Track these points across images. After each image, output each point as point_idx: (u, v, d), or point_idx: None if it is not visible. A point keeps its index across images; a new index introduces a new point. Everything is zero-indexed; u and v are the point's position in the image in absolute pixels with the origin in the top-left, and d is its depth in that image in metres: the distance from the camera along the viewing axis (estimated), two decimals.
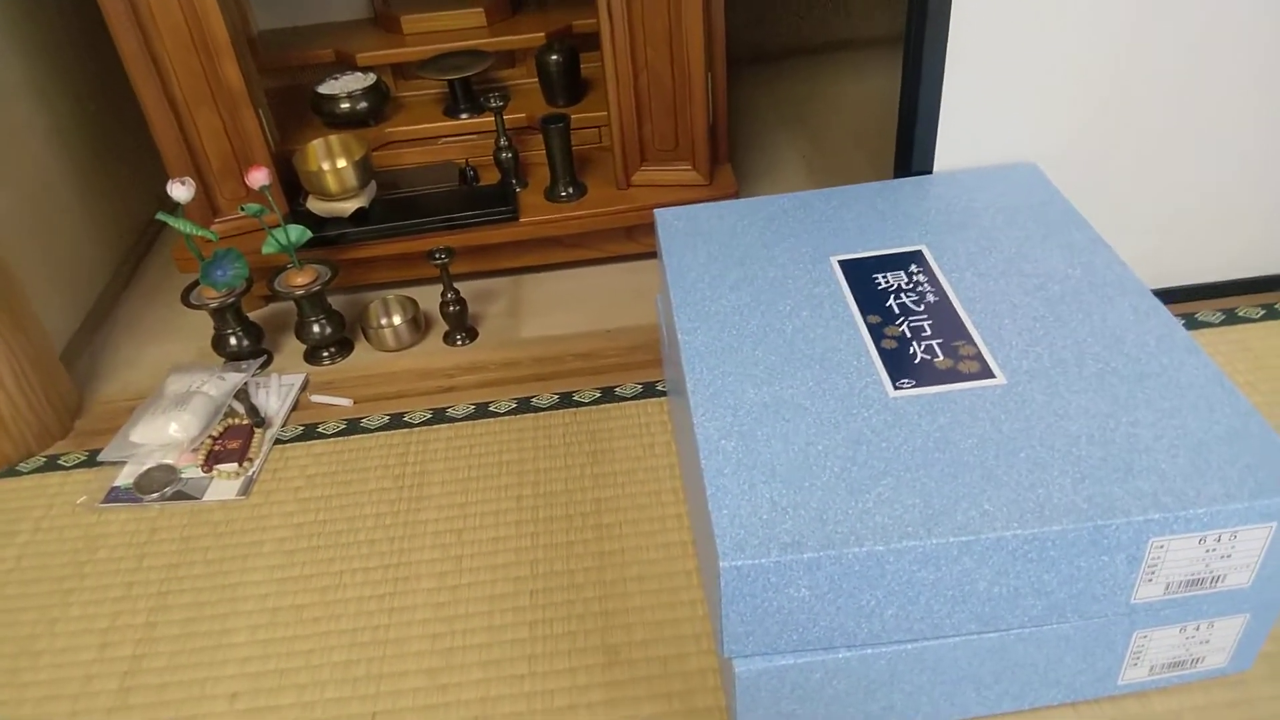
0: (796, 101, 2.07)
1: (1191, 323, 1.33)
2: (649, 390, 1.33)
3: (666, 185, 1.55)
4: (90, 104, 1.69)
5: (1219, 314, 1.35)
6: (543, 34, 1.68)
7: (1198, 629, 0.86)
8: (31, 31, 1.57)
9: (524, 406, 1.33)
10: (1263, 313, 1.34)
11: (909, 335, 0.98)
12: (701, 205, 1.23)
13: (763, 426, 0.89)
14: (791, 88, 2.13)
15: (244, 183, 1.49)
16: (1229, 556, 0.80)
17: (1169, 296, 1.35)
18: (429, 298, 1.51)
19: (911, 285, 1.05)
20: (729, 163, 1.61)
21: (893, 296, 1.03)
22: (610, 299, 1.54)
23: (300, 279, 1.41)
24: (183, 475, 1.27)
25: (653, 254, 1.60)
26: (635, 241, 1.57)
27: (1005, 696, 0.89)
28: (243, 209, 1.37)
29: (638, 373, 1.37)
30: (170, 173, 1.44)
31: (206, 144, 1.46)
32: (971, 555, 0.78)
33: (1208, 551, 0.80)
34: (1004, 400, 0.89)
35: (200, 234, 1.35)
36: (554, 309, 1.53)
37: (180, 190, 1.32)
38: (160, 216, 1.34)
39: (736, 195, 1.54)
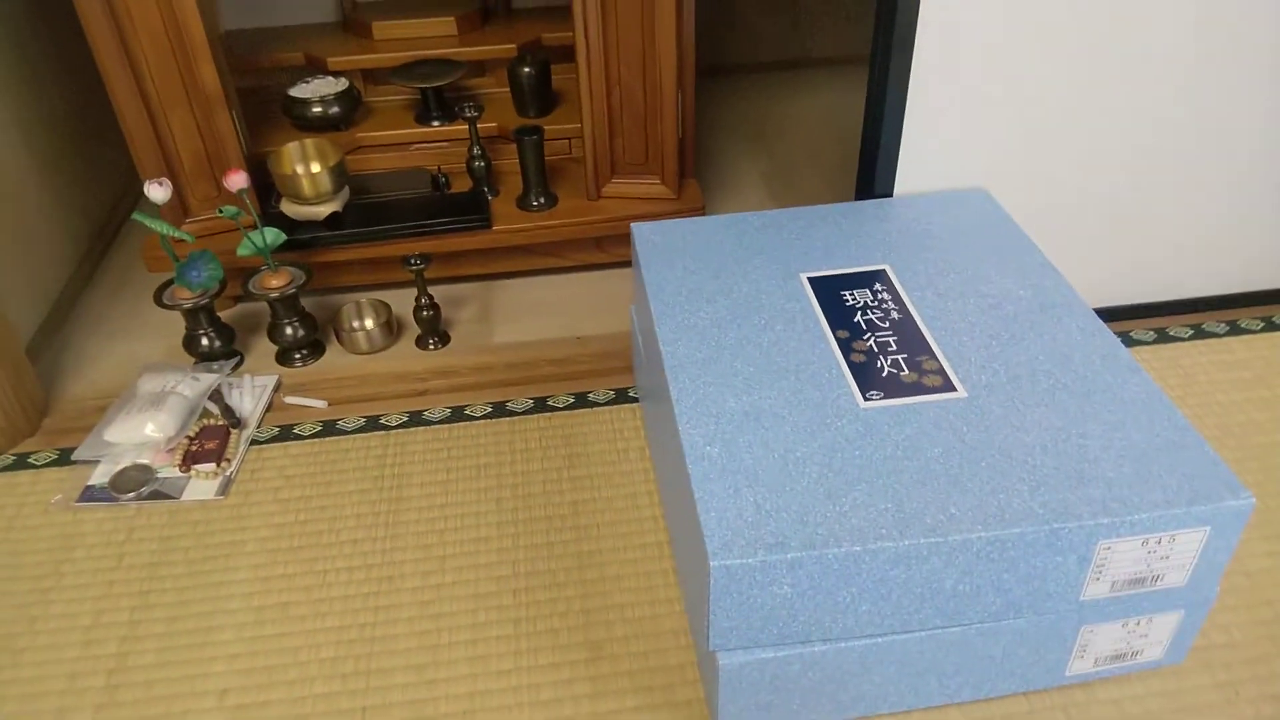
0: (754, 118, 2.14)
1: (1126, 340, 1.43)
2: (621, 396, 1.38)
3: (636, 198, 1.60)
4: (53, 96, 1.68)
5: (1151, 333, 1.45)
6: (514, 45, 1.72)
7: (1138, 624, 0.95)
8: None
9: (499, 410, 1.37)
10: (1191, 333, 1.45)
11: (876, 350, 1.05)
12: (675, 220, 1.28)
13: (744, 434, 0.94)
14: (749, 104, 2.20)
15: (216, 184, 1.50)
16: (1168, 558, 0.89)
17: (1106, 315, 1.44)
18: (401, 301, 1.54)
19: (877, 303, 1.12)
20: (694, 177, 1.67)
21: (860, 313, 1.10)
22: (580, 306, 1.58)
23: (275, 281, 1.42)
24: (159, 475, 1.28)
25: (621, 264, 1.65)
26: (604, 251, 1.62)
27: (965, 686, 0.96)
28: (221, 211, 1.38)
29: (609, 379, 1.42)
30: (142, 173, 1.44)
31: (180, 144, 1.46)
32: (939, 555, 0.85)
33: (1149, 553, 0.88)
34: (966, 412, 0.96)
35: (177, 235, 1.36)
36: (525, 315, 1.57)
37: (158, 191, 1.33)
38: (136, 217, 1.34)
39: (703, 209, 1.60)
